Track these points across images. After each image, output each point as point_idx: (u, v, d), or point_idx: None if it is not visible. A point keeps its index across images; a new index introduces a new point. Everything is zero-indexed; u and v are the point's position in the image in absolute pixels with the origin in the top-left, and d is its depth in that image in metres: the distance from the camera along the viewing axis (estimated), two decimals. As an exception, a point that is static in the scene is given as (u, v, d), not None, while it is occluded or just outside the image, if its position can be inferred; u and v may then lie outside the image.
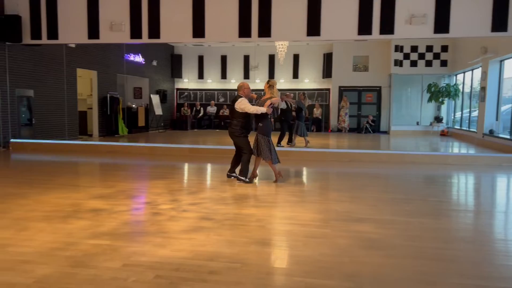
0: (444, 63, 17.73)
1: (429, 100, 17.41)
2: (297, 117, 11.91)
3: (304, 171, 8.62)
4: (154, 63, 18.84)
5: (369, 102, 19.32)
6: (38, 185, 6.39)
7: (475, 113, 14.79)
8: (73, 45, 13.43)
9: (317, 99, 19.74)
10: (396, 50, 17.85)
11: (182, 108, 20.39)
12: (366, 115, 19.04)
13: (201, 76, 20.96)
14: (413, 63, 17.94)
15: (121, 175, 7.72)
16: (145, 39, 10.55)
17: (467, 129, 15.51)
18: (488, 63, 12.87)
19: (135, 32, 10.52)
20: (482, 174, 8.48)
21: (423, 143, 14.51)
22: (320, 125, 19.18)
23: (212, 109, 20.45)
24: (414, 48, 17.83)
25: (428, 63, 17.87)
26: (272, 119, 8.25)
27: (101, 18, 10.60)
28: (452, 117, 18.02)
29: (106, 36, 10.68)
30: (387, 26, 9.57)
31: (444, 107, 18.28)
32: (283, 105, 11.27)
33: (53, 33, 10.87)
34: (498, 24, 9.08)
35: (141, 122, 17.59)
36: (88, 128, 15.32)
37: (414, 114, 18.90)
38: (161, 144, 11.51)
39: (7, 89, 11.27)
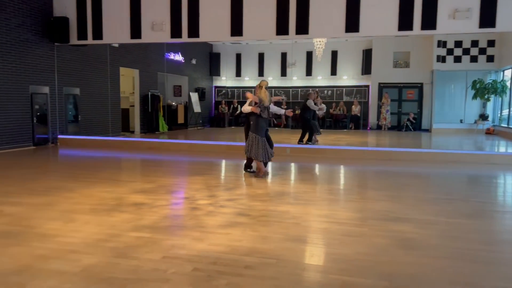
0: (490, 59, 16.99)
1: (474, 97, 16.73)
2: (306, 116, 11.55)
3: (342, 169, 8.54)
4: (193, 61, 19.19)
5: (410, 99, 18.81)
6: (83, 179, 6.70)
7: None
8: (116, 45, 13.93)
9: (356, 96, 19.43)
10: (439, 46, 17.27)
11: (220, 106, 20.66)
12: (407, 112, 18.53)
13: (238, 74, 21.13)
14: (457, 59, 17.31)
15: (161, 171, 7.95)
16: (184, 38, 10.82)
17: (515, 127, 14.84)
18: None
19: (175, 31, 10.79)
20: (530, 175, 8.10)
21: (467, 141, 13.98)
22: (359, 123, 18.86)
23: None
24: (458, 43, 17.20)
25: (473, 59, 17.18)
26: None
27: (143, 18, 10.96)
28: (499, 115, 17.23)
29: (148, 36, 11.03)
30: (429, 21, 9.29)
31: (490, 105, 17.53)
32: (316, 108, 11.18)
33: (98, 33, 11.34)
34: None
35: (181, 119, 17.99)
36: (130, 125, 15.87)
37: (458, 112, 18.25)
38: (199, 141, 11.73)
39: (55, 88, 11.86)
